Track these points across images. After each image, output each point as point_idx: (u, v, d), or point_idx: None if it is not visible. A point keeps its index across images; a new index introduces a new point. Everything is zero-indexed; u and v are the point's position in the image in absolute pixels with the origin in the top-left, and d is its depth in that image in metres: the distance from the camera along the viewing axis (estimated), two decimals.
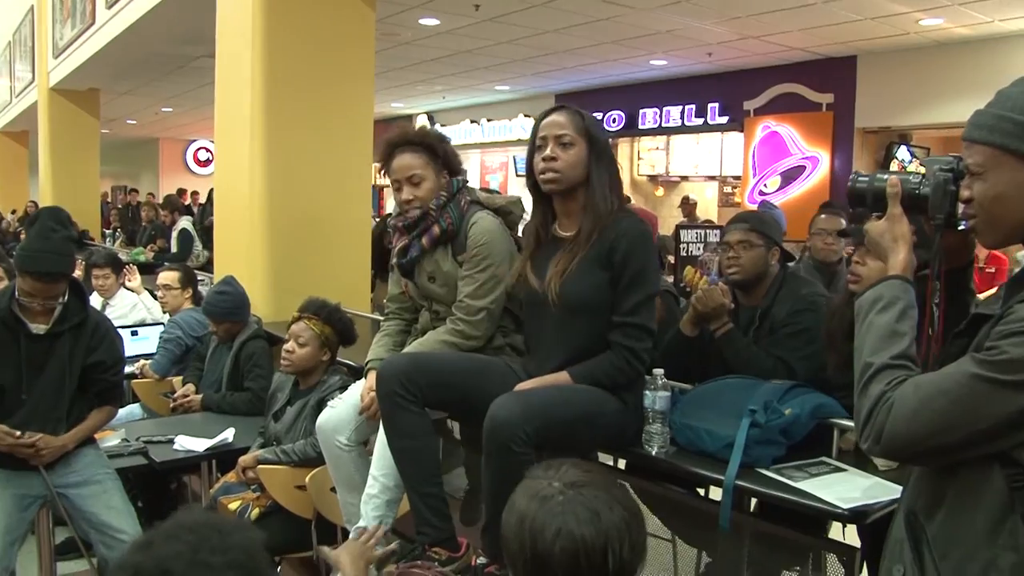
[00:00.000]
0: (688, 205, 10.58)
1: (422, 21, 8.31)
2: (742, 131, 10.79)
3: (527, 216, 2.57)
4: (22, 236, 10.92)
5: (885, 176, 1.52)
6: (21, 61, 13.42)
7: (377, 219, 5.87)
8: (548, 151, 2.25)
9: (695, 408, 2.26)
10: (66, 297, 2.87)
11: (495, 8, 7.63)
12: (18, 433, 2.77)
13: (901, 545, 1.35)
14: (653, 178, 12.88)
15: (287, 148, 4.66)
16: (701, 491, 2.64)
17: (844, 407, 2.22)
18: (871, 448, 1.33)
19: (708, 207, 11.67)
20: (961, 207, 1.42)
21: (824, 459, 2.15)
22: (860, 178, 1.58)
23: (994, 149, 1.31)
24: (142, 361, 4.49)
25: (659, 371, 2.19)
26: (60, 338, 2.86)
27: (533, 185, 2.34)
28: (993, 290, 1.61)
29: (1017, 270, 1.42)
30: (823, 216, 4.28)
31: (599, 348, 2.24)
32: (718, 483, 2.05)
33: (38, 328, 2.82)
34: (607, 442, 2.34)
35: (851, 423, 2.17)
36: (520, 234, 2.63)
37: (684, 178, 12.63)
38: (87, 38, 9.11)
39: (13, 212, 14.85)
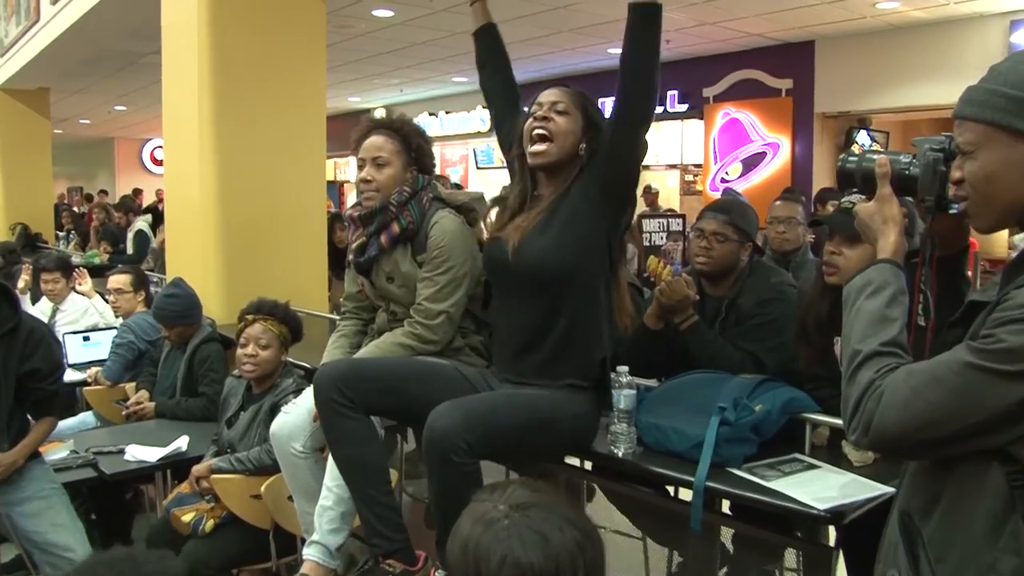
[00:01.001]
0: (651, 194, 10.54)
1: (376, 12, 8.17)
2: (702, 118, 10.77)
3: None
4: None
5: (875, 156, 1.46)
6: None
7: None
8: (542, 112, 2.17)
9: (662, 405, 2.18)
10: None
11: None
12: None
13: (895, 548, 1.27)
14: None
15: (237, 145, 4.54)
16: (671, 489, 2.57)
17: (815, 400, 2.16)
18: (859, 440, 1.25)
19: (670, 196, 11.63)
20: (952, 189, 1.35)
21: (797, 456, 2.08)
22: (849, 158, 1.52)
23: (986, 126, 1.23)
24: (93, 369, 4.34)
25: (624, 368, 2.11)
26: None
27: (520, 154, 2.24)
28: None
29: (1015, 255, 1.34)
30: (778, 203, 4.15)
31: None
32: (688, 484, 1.97)
33: None
34: (567, 448, 2.25)
35: (824, 418, 2.12)
36: (484, 229, 2.53)
37: (645, 167, 12.56)
38: (32, 35, 8.86)
39: None
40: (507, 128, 2.39)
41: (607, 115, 2.19)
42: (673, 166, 11.90)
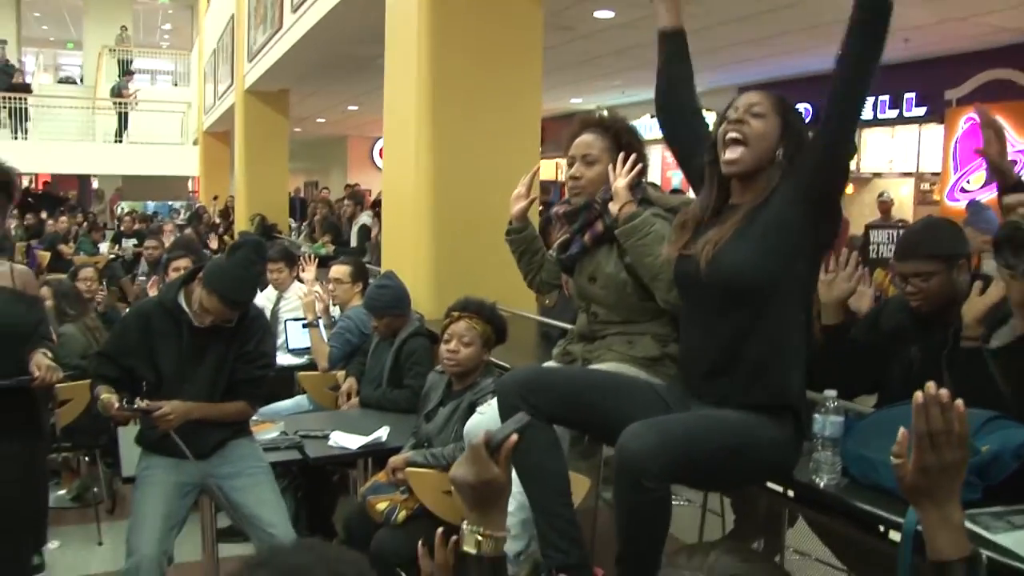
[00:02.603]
0: (884, 202, 9.82)
1: (597, 14, 8.13)
2: (943, 123, 9.94)
3: None
4: (219, 230, 11.59)
5: None
6: (223, 66, 14.29)
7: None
8: (737, 115, 2.01)
9: (874, 436, 1.93)
10: None
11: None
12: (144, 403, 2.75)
13: None
14: None
15: (452, 143, 4.63)
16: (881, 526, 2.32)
17: None
18: None
19: (903, 205, 10.84)
20: None
21: None
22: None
23: None
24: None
25: (832, 393, 1.91)
26: (221, 331, 2.88)
27: (711, 161, 2.08)
28: None
29: None
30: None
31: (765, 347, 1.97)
32: (896, 526, 1.75)
33: (201, 321, 2.86)
34: (763, 476, 2.08)
35: None
36: None
37: (877, 175, 11.80)
38: (275, 41, 9.53)
39: (215, 198, 15.91)
40: (688, 138, 2.26)
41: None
42: (908, 174, 11.10)
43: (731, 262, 1.95)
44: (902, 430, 1.21)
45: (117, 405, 2.72)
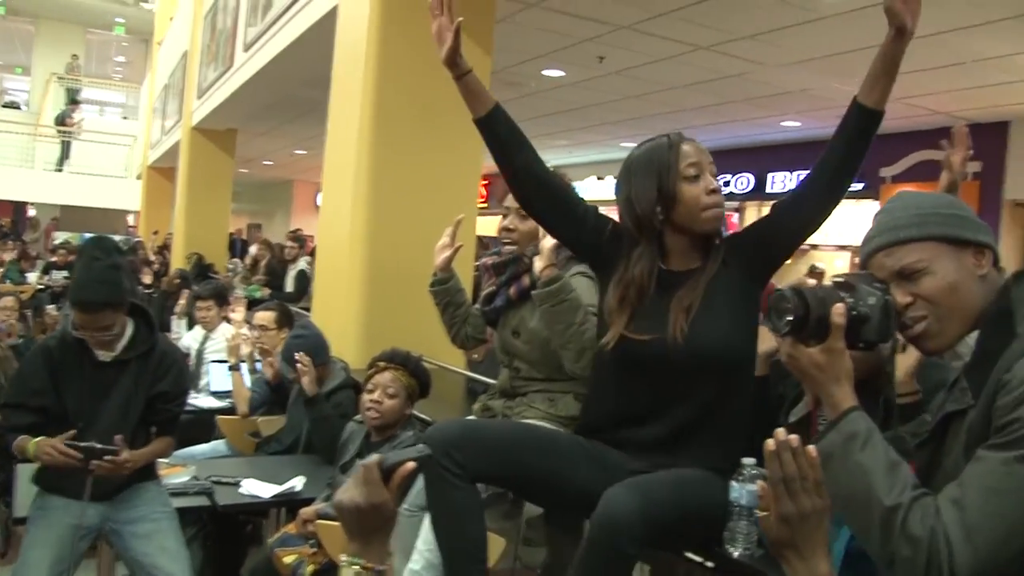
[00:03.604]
0: (815, 274, 10.03)
1: (546, 72, 8.23)
2: (877, 199, 10.22)
3: None
4: (154, 265, 11.36)
5: (817, 295, 1.32)
6: (173, 101, 14.15)
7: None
8: (711, 183, 1.99)
9: None
10: (131, 328, 2.80)
11: (620, 61, 7.46)
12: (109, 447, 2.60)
13: None
14: None
15: (390, 193, 4.59)
16: None
17: None
18: None
19: None
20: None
21: None
22: (787, 294, 1.35)
23: (933, 242, 1.31)
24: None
25: (750, 460, 1.88)
26: (126, 366, 2.78)
27: (662, 220, 1.99)
28: None
29: (967, 358, 1.33)
30: None
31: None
32: None
33: (104, 356, 2.75)
34: (708, 534, 1.99)
35: None
36: None
37: (814, 247, 12.04)
38: (225, 79, 9.47)
39: (155, 233, 15.67)
40: (578, 208, 2.17)
41: (784, 189, 2.02)
42: (843, 247, 11.36)
43: (712, 339, 1.93)
44: (760, 482, 1.22)
45: (61, 447, 2.55)
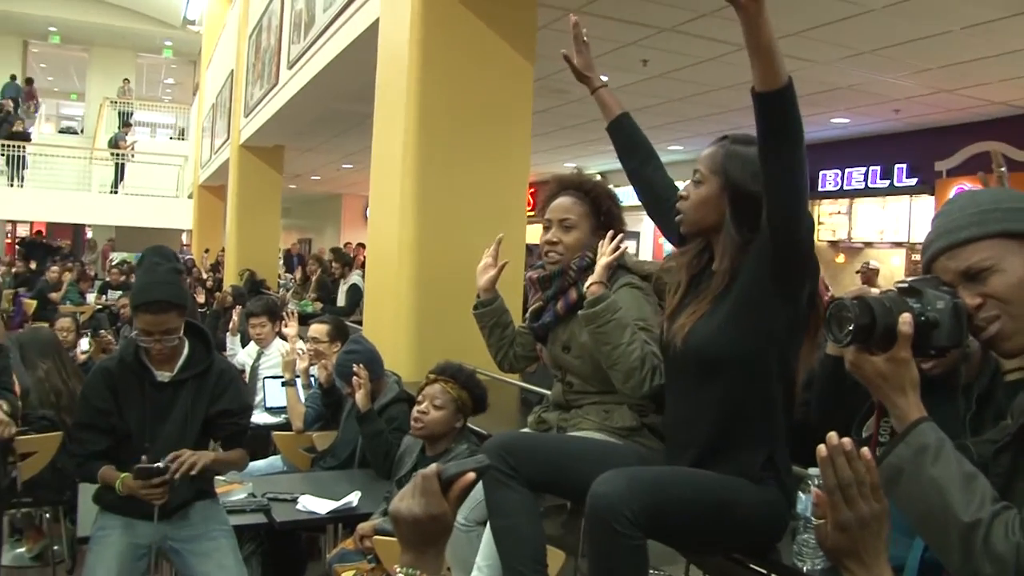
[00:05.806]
0: (868, 272, 9.82)
1: None
2: (933, 194, 10.00)
3: None
4: (207, 283, 11.52)
5: (884, 303, 1.27)
6: (220, 120, 14.38)
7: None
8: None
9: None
10: (188, 348, 2.83)
11: (664, 64, 7.40)
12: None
13: None
14: (834, 244, 12.10)
15: (438, 205, 4.60)
16: None
17: None
18: None
19: (894, 275, 10.84)
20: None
21: None
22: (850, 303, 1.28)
23: (998, 239, 1.27)
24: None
25: (815, 470, 1.82)
26: (183, 386, 2.80)
27: None
28: None
29: None
30: None
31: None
32: None
33: (163, 376, 2.78)
34: (746, 539, 1.97)
35: None
36: None
37: (868, 244, 11.84)
38: (271, 97, 9.58)
39: (206, 251, 15.91)
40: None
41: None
42: (899, 244, 11.14)
43: (701, 335, 1.94)
44: (814, 489, 1.17)
45: (146, 491, 2.61)
